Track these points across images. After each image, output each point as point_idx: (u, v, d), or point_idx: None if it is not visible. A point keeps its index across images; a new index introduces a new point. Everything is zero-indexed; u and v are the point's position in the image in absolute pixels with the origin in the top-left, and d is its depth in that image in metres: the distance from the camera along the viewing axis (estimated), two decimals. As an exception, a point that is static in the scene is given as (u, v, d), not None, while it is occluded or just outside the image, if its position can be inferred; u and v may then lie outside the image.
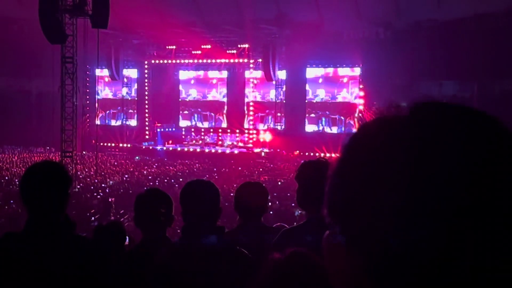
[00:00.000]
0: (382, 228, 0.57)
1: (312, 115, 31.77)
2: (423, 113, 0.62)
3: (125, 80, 34.81)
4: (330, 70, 31.32)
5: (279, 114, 31.78)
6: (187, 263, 2.69)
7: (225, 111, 34.77)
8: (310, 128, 31.77)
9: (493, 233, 0.55)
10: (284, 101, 31.92)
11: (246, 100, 33.78)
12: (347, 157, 0.65)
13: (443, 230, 0.55)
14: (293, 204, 13.41)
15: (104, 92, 36.85)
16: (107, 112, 36.61)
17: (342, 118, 30.84)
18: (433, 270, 0.55)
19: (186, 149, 31.62)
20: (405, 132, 0.60)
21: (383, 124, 0.64)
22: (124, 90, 35.33)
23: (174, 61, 33.64)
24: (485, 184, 0.56)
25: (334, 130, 31.07)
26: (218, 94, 35.08)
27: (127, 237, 4.25)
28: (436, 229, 0.55)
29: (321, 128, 31.52)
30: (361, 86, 30.07)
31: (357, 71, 30.41)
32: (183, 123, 35.53)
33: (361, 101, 29.77)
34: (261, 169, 24.91)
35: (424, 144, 0.58)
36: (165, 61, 33.75)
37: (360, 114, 29.55)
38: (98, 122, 33.78)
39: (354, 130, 0.67)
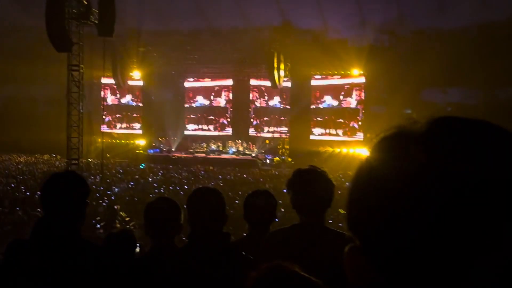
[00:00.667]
0: (404, 245, 0.58)
1: (319, 118, 31.86)
2: (440, 130, 0.62)
3: (130, 86, 34.94)
4: (334, 77, 31.39)
5: (282, 118, 31.84)
6: (193, 270, 2.71)
7: (229, 118, 34.88)
8: (316, 131, 31.84)
9: None
10: (289, 108, 31.99)
11: (251, 107, 33.90)
12: (367, 173, 0.65)
13: (463, 245, 0.56)
14: (298, 212, 13.36)
15: (110, 99, 36.99)
16: (113, 119, 36.73)
17: (347, 122, 30.93)
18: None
19: (191, 156, 31.70)
20: (421, 149, 0.60)
21: (400, 141, 0.64)
22: (129, 97, 35.47)
23: (179, 69, 33.76)
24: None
25: (340, 132, 31.19)
26: (223, 100, 35.17)
27: (138, 245, 4.27)
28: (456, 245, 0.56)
29: (327, 130, 31.60)
30: (364, 94, 30.11)
31: (361, 78, 30.45)
32: (190, 127, 35.65)
33: (363, 107, 29.82)
34: (266, 177, 24.91)
35: (440, 162, 0.58)
36: (171, 70, 33.87)
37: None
38: (104, 129, 33.88)
39: (373, 147, 0.67)
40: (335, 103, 31.35)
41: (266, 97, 33.79)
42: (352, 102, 30.89)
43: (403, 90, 26.83)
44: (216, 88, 35.23)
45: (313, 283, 1.51)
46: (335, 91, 31.23)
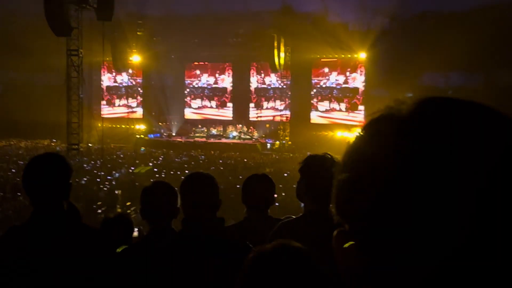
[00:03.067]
0: (389, 227, 0.58)
1: (320, 99, 31.97)
2: (426, 110, 0.62)
3: (130, 71, 34.83)
4: (335, 60, 31.35)
5: (282, 103, 31.80)
6: (186, 255, 2.71)
7: (230, 100, 34.85)
8: (320, 107, 32.06)
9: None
10: (289, 92, 31.94)
11: (251, 89, 33.86)
12: (353, 156, 0.65)
13: (450, 230, 0.56)
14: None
15: (109, 83, 36.93)
16: (113, 103, 36.70)
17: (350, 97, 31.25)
18: (444, 270, 0.56)
19: (191, 140, 31.68)
20: (407, 131, 0.60)
21: (385, 123, 0.63)
22: (126, 78, 35.39)
23: (179, 53, 33.60)
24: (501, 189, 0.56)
25: (343, 107, 31.44)
26: (226, 79, 35.03)
27: (136, 229, 4.27)
28: (443, 230, 0.56)
29: (330, 106, 31.72)
30: (365, 77, 30.04)
31: (362, 61, 30.37)
32: (192, 105, 35.62)
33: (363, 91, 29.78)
34: (267, 160, 24.92)
35: (423, 145, 0.58)
36: (171, 54, 33.72)
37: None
38: (104, 114, 33.88)
39: (360, 129, 0.67)
40: (341, 79, 31.35)
41: (267, 81, 33.69)
42: (357, 77, 30.91)
43: (404, 74, 26.73)
44: (217, 72, 35.10)
45: (315, 263, 1.49)
46: (342, 66, 31.34)
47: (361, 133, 0.67)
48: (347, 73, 31.32)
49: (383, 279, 0.60)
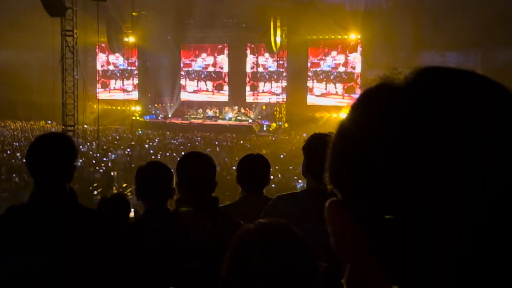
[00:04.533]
0: (384, 195, 0.57)
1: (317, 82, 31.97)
2: (423, 79, 0.61)
3: (125, 52, 34.58)
4: (331, 40, 31.22)
5: (279, 85, 31.72)
6: (180, 234, 2.70)
7: (226, 82, 34.72)
8: (316, 90, 31.99)
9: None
10: (285, 73, 31.82)
11: (247, 71, 33.72)
12: (348, 125, 0.65)
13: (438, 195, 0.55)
14: (295, 177, 13.43)
15: (104, 65, 36.72)
16: (108, 84, 36.54)
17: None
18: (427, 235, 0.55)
19: (188, 122, 31.63)
20: (403, 100, 0.59)
21: (381, 92, 0.62)
22: (121, 60, 35.21)
23: (174, 34, 33.34)
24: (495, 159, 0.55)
25: (339, 89, 31.50)
26: (222, 60, 34.83)
27: (132, 209, 4.26)
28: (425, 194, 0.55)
29: (326, 89, 31.70)
30: (360, 56, 29.96)
31: (358, 41, 30.25)
32: (188, 89, 35.49)
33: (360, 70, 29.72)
34: (263, 142, 24.93)
35: (421, 114, 0.57)
36: (166, 35, 33.46)
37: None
38: (99, 95, 33.71)
39: (356, 98, 0.67)
40: (339, 59, 31.29)
41: (261, 60, 33.54)
42: (354, 59, 30.82)
43: (401, 54, 26.65)
44: (214, 53, 34.90)
45: (299, 239, 1.52)
46: (338, 47, 31.28)
47: (357, 102, 0.65)
48: (344, 55, 31.22)
49: (374, 244, 0.59)
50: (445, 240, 0.54)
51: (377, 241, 0.59)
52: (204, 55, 35.08)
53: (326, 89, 31.91)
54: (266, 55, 32.20)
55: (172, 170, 3.37)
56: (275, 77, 32.42)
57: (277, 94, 31.69)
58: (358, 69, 30.90)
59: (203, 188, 2.80)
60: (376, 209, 0.58)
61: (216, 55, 34.87)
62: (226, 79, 34.77)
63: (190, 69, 35.51)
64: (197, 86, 35.44)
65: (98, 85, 36.07)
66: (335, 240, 0.65)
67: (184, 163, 2.87)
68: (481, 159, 0.54)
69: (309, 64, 32.16)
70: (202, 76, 35.31)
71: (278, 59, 31.46)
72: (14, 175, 14.47)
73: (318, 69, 32.04)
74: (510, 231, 0.54)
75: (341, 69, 31.50)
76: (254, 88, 33.93)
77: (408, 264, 0.56)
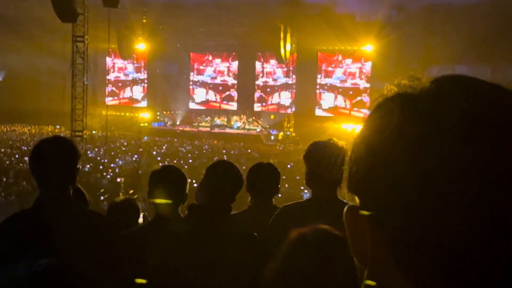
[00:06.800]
0: (404, 202, 0.57)
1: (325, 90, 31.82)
2: (447, 87, 0.60)
3: (135, 59, 34.75)
4: (341, 52, 31.22)
5: (289, 93, 31.71)
6: (190, 241, 2.68)
7: (235, 92, 34.74)
8: (324, 102, 31.80)
9: None
10: (294, 84, 31.82)
11: (256, 82, 33.74)
12: (367, 132, 0.64)
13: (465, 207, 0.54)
14: (302, 187, 13.38)
15: (115, 71, 36.86)
16: (118, 93, 36.67)
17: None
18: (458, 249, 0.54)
19: (195, 130, 31.66)
20: (427, 108, 0.58)
21: (398, 101, 0.62)
22: (131, 67, 35.32)
23: (184, 42, 33.48)
24: None
25: (348, 104, 31.47)
26: (231, 69, 34.86)
27: (141, 214, 4.24)
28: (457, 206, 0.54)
29: (334, 104, 31.66)
30: (369, 69, 29.89)
31: (369, 53, 30.22)
32: (197, 98, 35.49)
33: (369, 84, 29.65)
34: (270, 151, 24.87)
35: (435, 126, 0.56)
36: (176, 43, 33.60)
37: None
38: (108, 101, 33.82)
39: (374, 106, 0.66)
40: (352, 67, 31.26)
41: (272, 72, 33.56)
42: (363, 70, 30.69)
43: (411, 67, 26.59)
44: (222, 62, 34.97)
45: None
46: (348, 58, 31.26)
47: (375, 111, 0.65)
48: (354, 66, 31.20)
49: (396, 252, 0.59)
50: (461, 248, 0.54)
51: (396, 245, 0.58)
52: (213, 63, 35.15)
53: (334, 102, 31.86)
54: (275, 64, 32.19)
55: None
56: (284, 86, 32.43)
57: (285, 107, 31.70)
58: (365, 83, 30.85)
59: (224, 199, 2.82)
60: (404, 221, 0.57)
61: (226, 63, 34.94)
62: (235, 88, 34.79)
63: (199, 78, 35.57)
64: (206, 94, 35.47)
65: (108, 90, 36.26)
66: (354, 244, 0.65)
67: (215, 170, 2.87)
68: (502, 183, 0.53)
69: (318, 76, 32.12)
70: (211, 86, 35.34)
71: (287, 68, 31.47)
72: (21, 180, 14.48)
73: (328, 82, 32.00)
74: None
75: (349, 82, 31.45)
76: (262, 100, 33.94)
77: (427, 267, 0.56)
